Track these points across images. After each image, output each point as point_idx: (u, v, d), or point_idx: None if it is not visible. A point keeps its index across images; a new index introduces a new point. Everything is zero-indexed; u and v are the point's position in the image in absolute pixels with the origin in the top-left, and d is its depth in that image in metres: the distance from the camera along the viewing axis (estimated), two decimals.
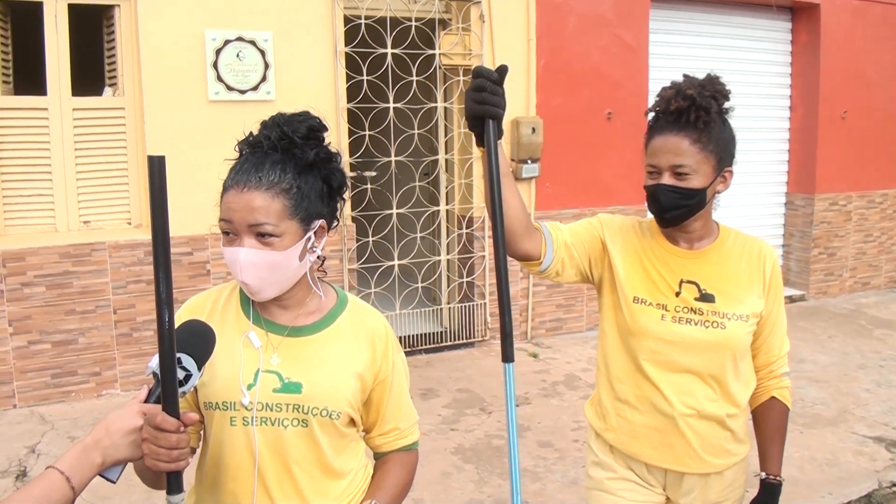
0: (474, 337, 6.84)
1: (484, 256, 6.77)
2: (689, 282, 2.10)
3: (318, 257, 1.71)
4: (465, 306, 6.82)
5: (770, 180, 8.61)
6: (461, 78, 6.55)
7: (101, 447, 1.36)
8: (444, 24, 6.60)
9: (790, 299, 8.40)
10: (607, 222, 2.24)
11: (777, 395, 2.18)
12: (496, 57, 6.50)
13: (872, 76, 8.53)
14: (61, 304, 5.39)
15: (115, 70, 5.64)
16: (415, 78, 6.35)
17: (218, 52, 5.63)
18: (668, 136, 2.02)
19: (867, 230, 8.83)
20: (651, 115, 2.12)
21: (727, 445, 2.14)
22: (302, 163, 1.62)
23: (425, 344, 6.66)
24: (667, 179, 2.03)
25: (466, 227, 6.77)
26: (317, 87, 5.99)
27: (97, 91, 5.69)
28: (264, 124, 1.66)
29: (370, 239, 6.43)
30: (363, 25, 6.09)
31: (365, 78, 6.14)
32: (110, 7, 5.53)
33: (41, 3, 5.31)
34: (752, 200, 8.40)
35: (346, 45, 6.09)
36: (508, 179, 1.96)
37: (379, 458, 1.86)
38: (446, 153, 6.81)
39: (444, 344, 6.74)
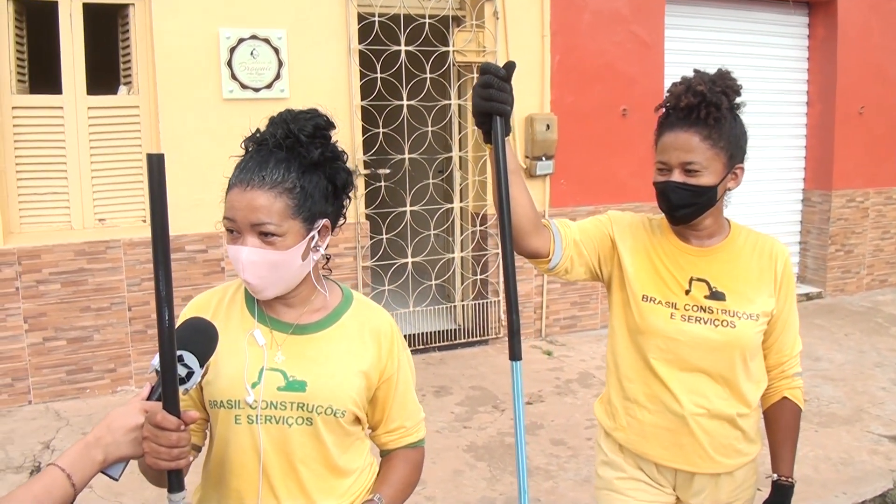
0: (488, 334, 6.83)
1: (498, 254, 6.75)
2: (699, 280, 2.08)
3: (323, 256, 1.71)
4: (478, 304, 6.81)
5: (787, 177, 8.54)
6: (475, 75, 6.53)
7: (103, 444, 1.36)
8: (457, 20, 6.59)
9: (807, 297, 8.34)
10: (617, 219, 2.22)
11: (789, 395, 2.15)
12: (510, 54, 6.48)
13: (890, 71, 8.44)
14: (76, 302, 5.43)
15: (129, 69, 5.66)
16: (428, 75, 6.34)
17: (232, 50, 5.64)
18: (678, 132, 2.00)
19: (885, 227, 8.74)
20: (661, 110, 2.10)
21: (738, 445, 2.12)
22: (307, 162, 1.61)
23: (439, 341, 6.65)
24: (677, 177, 2.01)
25: (480, 225, 6.76)
26: (331, 85, 5.99)
27: (112, 90, 5.71)
28: (271, 121, 1.66)
29: (384, 236, 6.43)
30: (377, 23, 6.09)
31: (379, 75, 6.14)
32: (125, 6, 5.55)
33: (56, 3, 5.34)
34: (768, 197, 8.34)
35: (360, 42, 6.09)
36: (516, 176, 1.94)
37: (385, 455, 1.86)
38: (460, 150, 6.80)
39: (457, 341, 6.73)
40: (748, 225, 2.22)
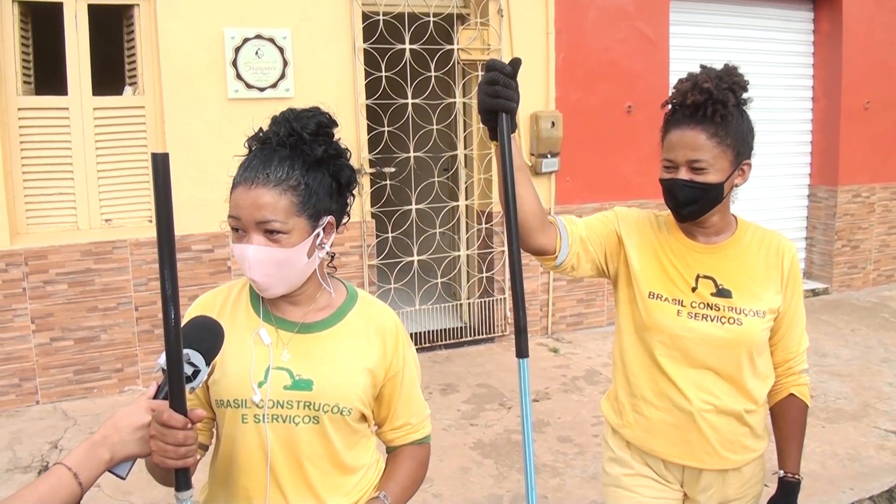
0: (494, 332, 6.83)
1: (503, 252, 6.75)
2: (705, 277, 2.08)
3: (327, 254, 1.71)
4: (484, 301, 6.81)
5: (793, 172, 8.52)
6: (480, 73, 6.52)
7: (110, 443, 1.36)
8: (462, 18, 6.58)
9: (813, 292, 8.32)
10: (623, 216, 2.21)
11: (796, 391, 2.15)
12: (515, 51, 6.47)
13: (895, 66, 8.43)
14: (83, 302, 5.44)
15: (134, 69, 5.67)
16: (433, 73, 6.33)
17: (237, 50, 5.65)
18: (684, 130, 1.99)
19: (891, 222, 8.71)
20: (667, 107, 2.09)
21: (745, 441, 2.12)
22: (310, 159, 1.61)
23: (445, 339, 6.65)
24: (683, 174, 2.00)
25: (486, 223, 6.75)
26: (335, 84, 5.99)
27: (117, 90, 5.72)
28: (274, 120, 1.66)
29: (390, 235, 6.43)
30: (381, 21, 6.09)
31: (383, 74, 6.14)
32: (130, 7, 5.56)
33: (61, 4, 5.35)
34: (774, 193, 8.32)
35: (365, 41, 6.09)
36: (522, 173, 1.94)
37: (391, 452, 1.86)
38: (465, 148, 6.80)
39: (464, 339, 6.73)
40: (754, 221, 2.22)
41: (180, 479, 1.38)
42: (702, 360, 2.05)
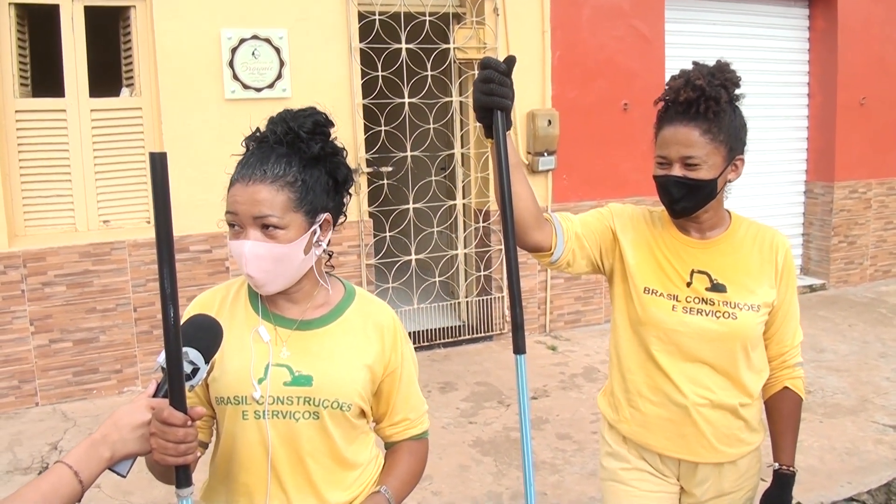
0: (492, 330, 6.84)
1: (501, 250, 6.76)
2: (700, 272, 2.09)
3: (325, 252, 1.72)
4: (482, 300, 6.82)
5: (789, 168, 8.54)
6: (476, 72, 6.52)
7: (110, 442, 1.37)
8: (458, 18, 6.59)
9: (810, 288, 8.33)
10: (618, 212, 2.23)
11: (790, 385, 2.16)
12: (511, 50, 6.48)
13: (891, 62, 8.42)
14: (82, 303, 5.45)
15: (131, 71, 5.68)
16: (430, 73, 6.35)
17: (233, 50, 5.66)
18: (677, 126, 2.01)
19: (887, 217, 8.73)
20: (660, 104, 2.11)
21: (740, 435, 2.13)
22: (307, 156, 1.63)
23: (443, 338, 6.66)
24: (677, 171, 2.01)
25: (483, 221, 6.77)
26: (332, 84, 6.00)
27: (115, 92, 5.73)
28: (271, 120, 1.68)
29: (387, 234, 6.44)
30: (377, 21, 6.10)
31: (380, 73, 6.15)
32: (126, 8, 5.57)
33: (58, 6, 5.36)
34: (771, 189, 8.34)
35: (361, 41, 6.10)
36: (518, 171, 1.96)
37: (389, 447, 1.88)
38: (462, 147, 6.81)
39: (462, 338, 6.74)
40: (750, 217, 2.24)
41: (181, 476, 1.39)
42: (697, 354, 2.07)
